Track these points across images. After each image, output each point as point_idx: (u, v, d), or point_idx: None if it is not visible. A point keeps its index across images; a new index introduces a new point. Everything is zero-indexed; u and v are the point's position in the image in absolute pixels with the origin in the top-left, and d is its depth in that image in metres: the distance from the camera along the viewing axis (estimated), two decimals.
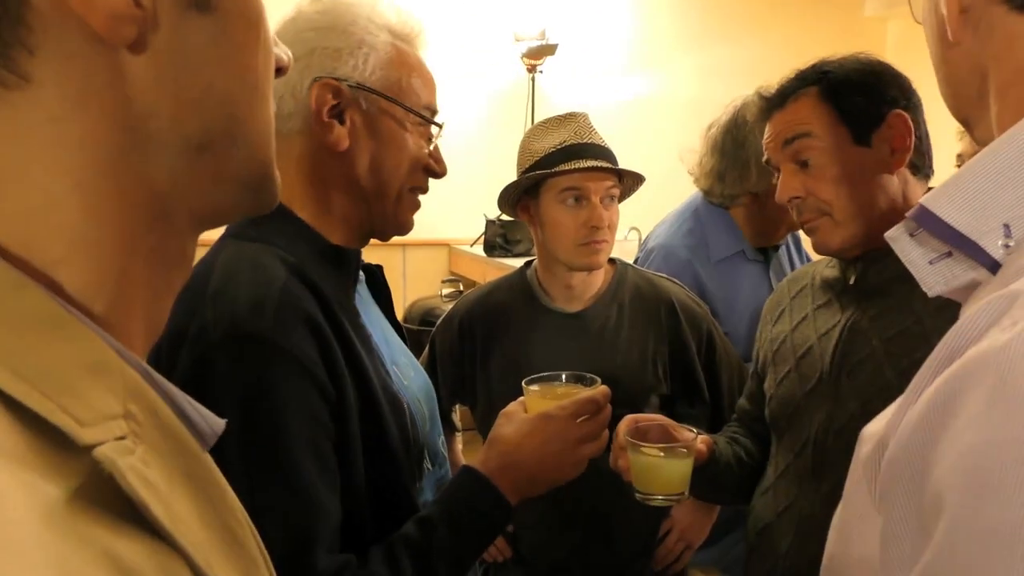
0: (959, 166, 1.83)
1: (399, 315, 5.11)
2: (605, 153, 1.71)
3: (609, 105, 5.69)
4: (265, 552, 0.53)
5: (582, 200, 1.67)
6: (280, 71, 0.56)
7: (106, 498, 0.36)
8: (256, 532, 0.52)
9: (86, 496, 0.35)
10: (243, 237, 1.06)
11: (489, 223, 4.66)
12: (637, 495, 1.34)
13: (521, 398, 1.24)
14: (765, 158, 1.41)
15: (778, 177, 1.38)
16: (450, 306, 4.78)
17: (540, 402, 1.22)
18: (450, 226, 5.23)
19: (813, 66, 1.35)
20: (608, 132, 6.30)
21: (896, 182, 1.29)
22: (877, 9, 6.09)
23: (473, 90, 5.36)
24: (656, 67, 5.82)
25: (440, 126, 1.18)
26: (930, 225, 0.59)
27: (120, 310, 0.45)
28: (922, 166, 1.31)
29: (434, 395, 1.30)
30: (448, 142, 5.01)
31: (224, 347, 0.94)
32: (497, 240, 4.58)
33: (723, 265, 2.11)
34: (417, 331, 4.61)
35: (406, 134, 1.13)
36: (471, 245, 5.05)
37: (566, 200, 1.68)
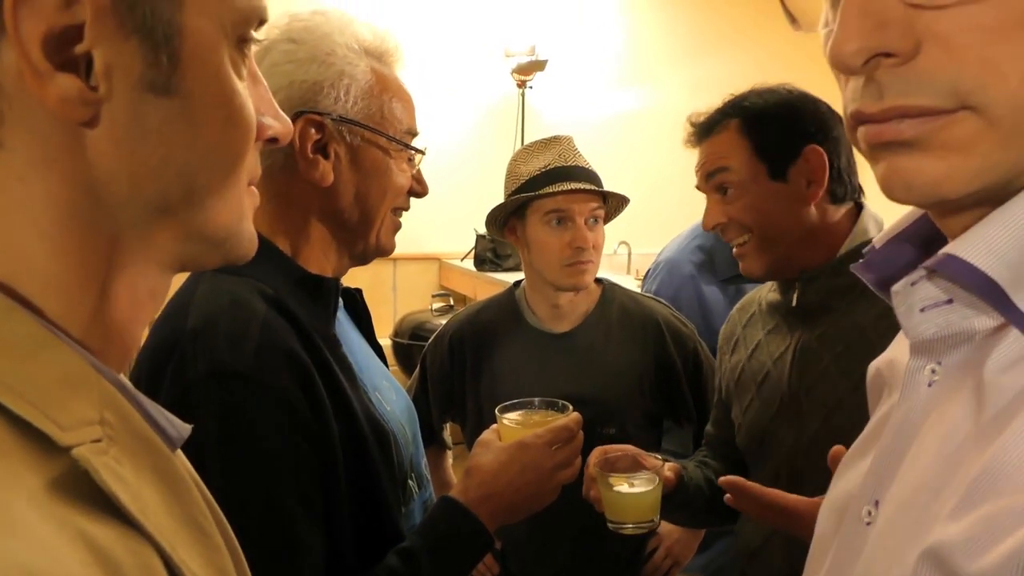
0: None
1: (389, 329, 5.15)
2: (589, 175, 1.74)
3: (599, 120, 5.72)
4: (236, 547, 0.59)
5: (566, 222, 1.71)
6: (274, 141, 0.59)
7: (82, 491, 0.42)
8: (228, 528, 0.58)
9: (65, 487, 0.42)
10: (220, 270, 1.06)
11: (479, 237, 4.67)
12: (609, 524, 1.37)
13: (494, 426, 1.26)
14: (695, 184, 1.47)
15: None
16: (441, 320, 4.79)
17: (514, 430, 1.23)
18: (440, 240, 5.24)
19: (736, 98, 1.41)
20: (598, 147, 6.30)
21: (813, 211, 1.34)
22: None
23: (463, 105, 5.38)
24: (645, 82, 5.86)
25: (423, 152, 1.18)
26: (953, 271, 0.54)
27: (95, 334, 0.50)
28: (842, 194, 1.36)
29: (415, 416, 1.31)
30: (438, 157, 5.05)
31: (205, 385, 0.93)
32: (487, 254, 4.60)
33: (728, 284, 2.15)
34: (407, 345, 4.61)
35: (390, 162, 1.13)
36: (461, 259, 5.06)
37: (551, 222, 1.71)
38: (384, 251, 1.19)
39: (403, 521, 1.13)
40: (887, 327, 1.23)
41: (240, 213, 0.57)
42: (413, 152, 1.17)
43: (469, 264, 4.88)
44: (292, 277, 1.08)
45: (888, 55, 0.51)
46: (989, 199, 0.53)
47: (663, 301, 1.90)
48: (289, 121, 0.61)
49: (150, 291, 0.55)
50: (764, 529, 1.42)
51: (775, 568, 1.39)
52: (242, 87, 0.54)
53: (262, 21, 0.57)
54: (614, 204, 1.81)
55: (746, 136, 1.36)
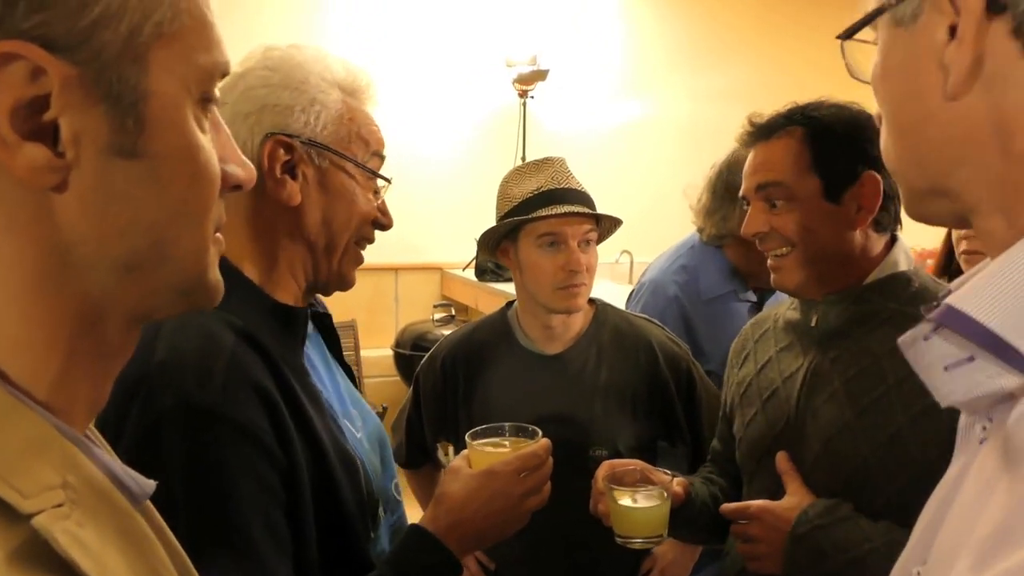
0: (966, 264, 1.84)
1: (391, 340, 5.13)
2: (582, 198, 1.73)
3: (600, 130, 5.72)
4: None
5: (559, 244, 1.70)
6: (239, 187, 0.61)
7: (45, 557, 0.44)
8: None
9: (28, 555, 0.43)
10: None
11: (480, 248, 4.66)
12: (618, 539, 1.37)
13: (465, 451, 1.26)
14: (741, 191, 1.44)
15: (747, 210, 1.41)
16: (442, 331, 4.79)
17: (484, 457, 1.24)
18: (442, 250, 5.24)
19: (804, 107, 1.37)
20: (599, 156, 6.30)
21: (858, 236, 1.32)
22: (867, 34, 6.14)
23: (465, 115, 5.39)
24: (647, 92, 5.86)
25: (388, 181, 1.20)
26: (958, 326, 0.53)
27: (61, 395, 0.51)
28: (886, 224, 1.34)
29: (386, 439, 1.32)
30: (440, 167, 5.06)
31: (173, 420, 0.94)
32: (488, 264, 4.59)
33: (713, 304, 2.13)
34: (409, 356, 4.60)
35: (356, 188, 1.15)
36: (463, 269, 5.05)
37: (543, 245, 1.71)
38: (345, 283, 1.20)
39: (371, 547, 1.15)
40: (902, 361, 1.23)
41: (207, 263, 0.58)
42: (378, 183, 1.19)
43: (470, 274, 4.87)
44: (261, 307, 1.10)
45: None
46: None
47: (656, 322, 1.89)
48: (252, 167, 0.63)
49: (119, 345, 0.56)
50: None
51: None
52: (206, 141, 0.55)
53: (224, 74, 0.58)
54: (607, 225, 1.81)
55: (808, 148, 1.32)
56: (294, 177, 1.10)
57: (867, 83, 0.67)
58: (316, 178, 1.12)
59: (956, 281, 0.62)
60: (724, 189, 2.11)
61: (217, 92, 0.58)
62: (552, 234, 1.69)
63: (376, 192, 1.19)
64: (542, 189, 1.71)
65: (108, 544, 0.49)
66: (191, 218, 0.55)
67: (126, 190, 0.51)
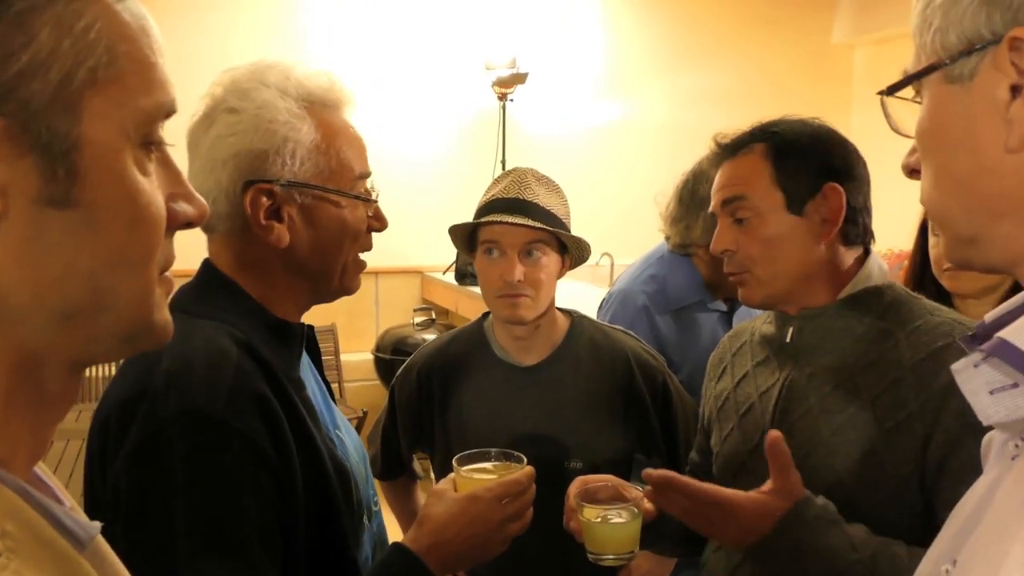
0: (948, 280, 1.85)
1: (372, 344, 5.11)
2: (527, 208, 1.67)
3: (581, 132, 5.73)
4: None
5: (497, 253, 1.69)
6: (190, 224, 0.59)
7: None
8: None
9: None
10: (192, 312, 1.08)
11: (460, 251, 4.65)
12: (589, 555, 1.37)
13: (451, 475, 1.29)
14: (710, 207, 1.45)
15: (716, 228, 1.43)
16: (423, 335, 4.76)
17: (468, 482, 1.27)
18: (422, 254, 5.23)
19: (766, 124, 1.40)
20: (580, 158, 6.30)
21: (823, 250, 1.33)
22: (845, 36, 6.20)
23: (444, 118, 5.39)
24: (627, 94, 5.88)
25: (374, 200, 1.21)
26: (1009, 357, 0.59)
27: (3, 443, 0.51)
28: (855, 237, 1.35)
29: (366, 453, 1.37)
30: (420, 170, 5.04)
31: (177, 427, 0.97)
32: (468, 268, 4.58)
33: (681, 313, 2.13)
34: (390, 360, 4.58)
35: (343, 213, 1.15)
36: (443, 273, 5.04)
37: (484, 252, 1.72)
38: (349, 291, 1.23)
39: (358, 555, 1.19)
40: (877, 376, 1.26)
41: (150, 307, 0.56)
42: (368, 187, 1.21)
43: (451, 278, 4.86)
44: (261, 322, 1.13)
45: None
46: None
47: (632, 334, 1.88)
48: (204, 202, 0.61)
49: (60, 392, 0.55)
50: (728, 561, 1.42)
51: (733, 555, 1.39)
52: (148, 184, 0.54)
53: (169, 114, 0.56)
54: (575, 254, 1.77)
55: (770, 162, 1.34)
56: (280, 220, 1.11)
57: (908, 136, 0.73)
58: (301, 216, 1.12)
59: (995, 312, 0.68)
60: (689, 198, 2.12)
61: (161, 134, 0.56)
62: (491, 242, 1.69)
63: (366, 203, 1.20)
64: (494, 198, 1.71)
65: None
66: (131, 264, 0.54)
67: (59, 240, 0.49)
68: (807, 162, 1.33)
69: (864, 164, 1.38)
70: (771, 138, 1.36)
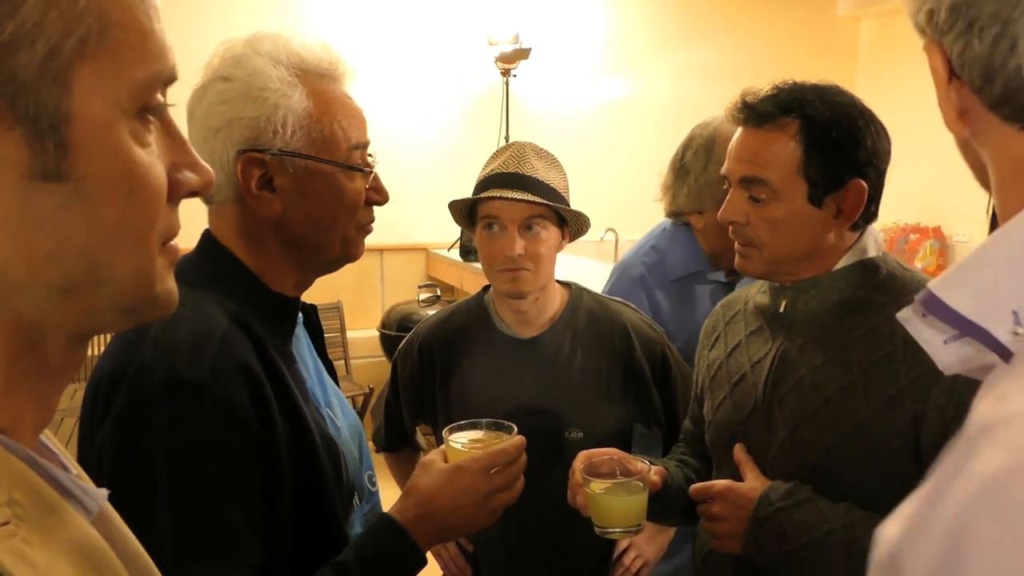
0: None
1: (377, 321, 5.12)
2: (526, 182, 1.67)
3: (584, 108, 5.71)
4: None
5: (497, 228, 1.70)
6: (196, 193, 0.59)
7: None
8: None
9: None
10: (186, 282, 1.08)
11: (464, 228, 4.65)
12: (596, 529, 1.38)
13: (442, 447, 1.29)
14: (723, 169, 1.40)
15: (727, 192, 1.38)
16: (427, 311, 4.78)
17: (457, 453, 1.26)
18: (426, 231, 5.23)
19: (801, 95, 1.31)
20: (583, 134, 6.27)
21: (832, 236, 1.32)
22: (850, 8, 6.14)
23: (447, 94, 5.37)
24: (630, 69, 5.85)
25: (371, 169, 1.18)
26: (939, 312, 0.59)
27: (7, 412, 0.51)
28: (863, 223, 1.34)
29: (363, 434, 1.36)
30: (423, 147, 5.03)
31: (160, 393, 0.98)
32: (472, 245, 4.57)
33: (680, 284, 2.14)
34: (395, 337, 4.60)
35: (338, 184, 1.14)
36: (448, 249, 5.04)
37: (484, 227, 1.72)
38: (351, 258, 1.22)
39: (348, 531, 1.19)
40: (868, 349, 1.28)
41: (151, 279, 0.56)
42: (370, 160, 1.19)
43: (456, 254, 4.87)
44: (254, 293, 1.14)
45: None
46: None
47: (631, 305, 1.90)
48: (209, 170, 0.60)
49: (62, 363, 0.55)
50: None
51: (729, 569, 1.41)
52: (145, 155, 0.53)
53: (169, 81, 0.55)
54: (574, 227, 1.76)
55: (801, 149, 1.28)
56: (272, 190, 1.11)
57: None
58: (294, 185, 1.11)
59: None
60: (680, 166, 2.14)
61: (161, 98, 0.55)
62: (491, 217, 1.69)
63: (364, 173, 1.18)
64: (493, 172, 1.71)
65: (58, 560, 0.49)
66: (129, 238, 0.53)
67: (52, 214, 0.49)
68: (837, 155, 1.28)
69: (887, 137, 1.33)
70: (806, 120, 1.28)
